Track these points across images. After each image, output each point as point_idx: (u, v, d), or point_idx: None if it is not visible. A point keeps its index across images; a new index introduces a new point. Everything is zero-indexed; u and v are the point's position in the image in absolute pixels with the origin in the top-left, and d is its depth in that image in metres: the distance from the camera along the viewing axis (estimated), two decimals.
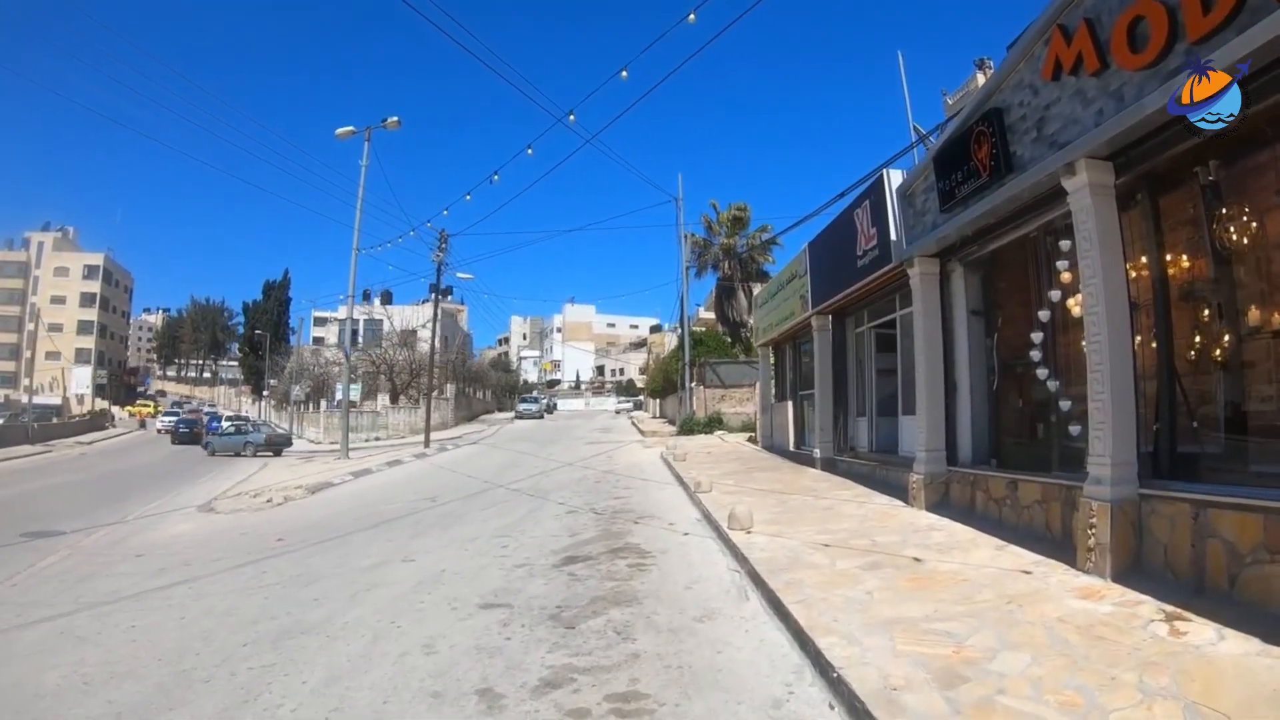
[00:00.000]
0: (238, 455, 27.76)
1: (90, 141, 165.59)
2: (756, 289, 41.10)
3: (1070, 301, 6.76)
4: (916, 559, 6.32)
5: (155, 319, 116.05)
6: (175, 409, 62.61)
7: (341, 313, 53.78)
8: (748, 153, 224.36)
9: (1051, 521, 6.63)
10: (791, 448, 16.99)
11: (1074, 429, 6.42)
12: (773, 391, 19.40)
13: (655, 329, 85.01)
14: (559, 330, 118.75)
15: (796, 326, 15.65)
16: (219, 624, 5.79)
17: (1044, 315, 7.28)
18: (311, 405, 40.60)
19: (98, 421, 50.91)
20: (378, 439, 33.68)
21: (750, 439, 22.44)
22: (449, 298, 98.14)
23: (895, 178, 10.02)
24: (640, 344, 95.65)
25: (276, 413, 51.36)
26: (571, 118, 15.79)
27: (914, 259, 9.17)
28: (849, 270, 11.50)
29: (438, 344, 50.68)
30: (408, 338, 42.46)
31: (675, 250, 32.32)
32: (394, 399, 38.25)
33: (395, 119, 21.84)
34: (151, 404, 71.98)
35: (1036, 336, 7.34)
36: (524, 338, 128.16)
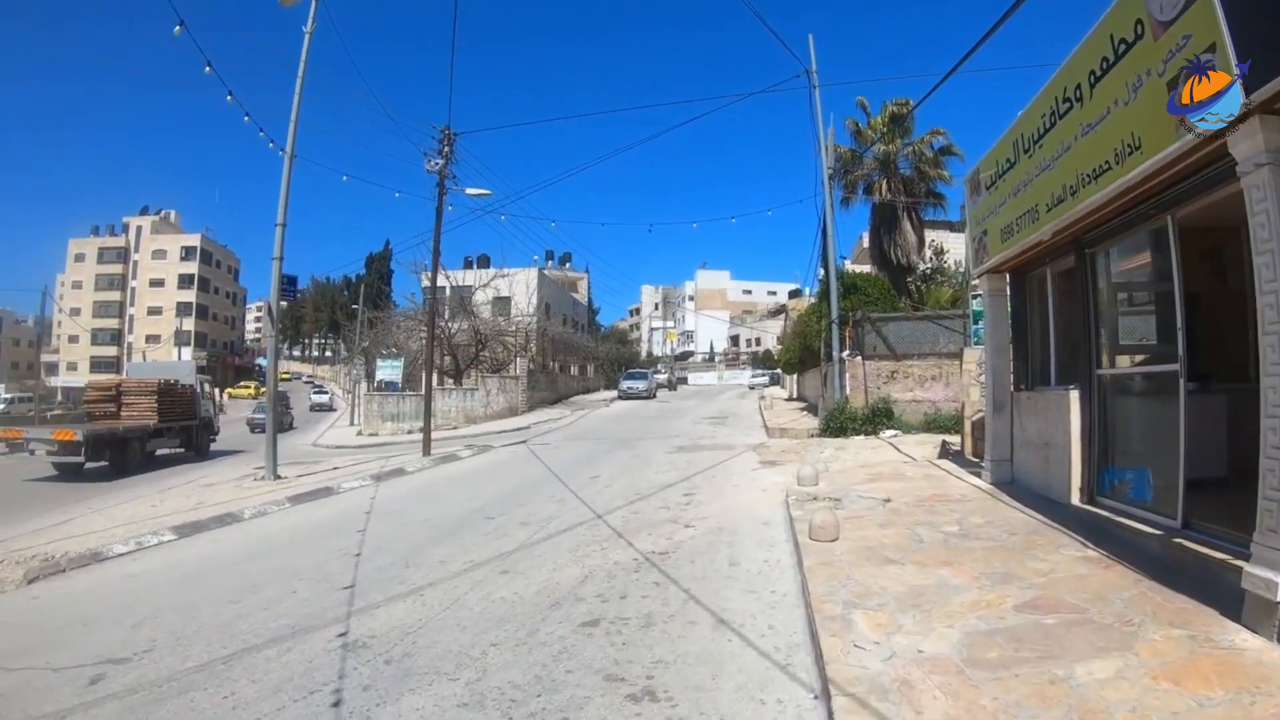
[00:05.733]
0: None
1: (198, 130, 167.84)
2: (936, 235, 29.99)
3: None
4: None
5: (285, 301, 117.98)
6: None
7: (437, 279, 46.98)
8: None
9: None
10: (1075, 499, 7.30)
11: None
12: (1010, 368, 9.54)
13: (794, 293, 74.20)
14: (691, 299, 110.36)
15: (1135, 189, 5.83)
16: None
17: None
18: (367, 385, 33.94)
19: None
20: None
21: (946, 451, 12.64)
22: (568, 265, 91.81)
23: None
24: (778, 311, 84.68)
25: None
26: None
27: None
28: None
29: (529, 309, 42.85)
30: (466, 303, 34.57)
31: (811, 156, 22.48)
32: (457, 379, 30.67)
33: None
34: (253, 385, 69.54)
35: None
36: (655, 307, 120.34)
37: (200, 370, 25.36)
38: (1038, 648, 4.15)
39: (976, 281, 10.57)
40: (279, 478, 14.49)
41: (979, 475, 9.59)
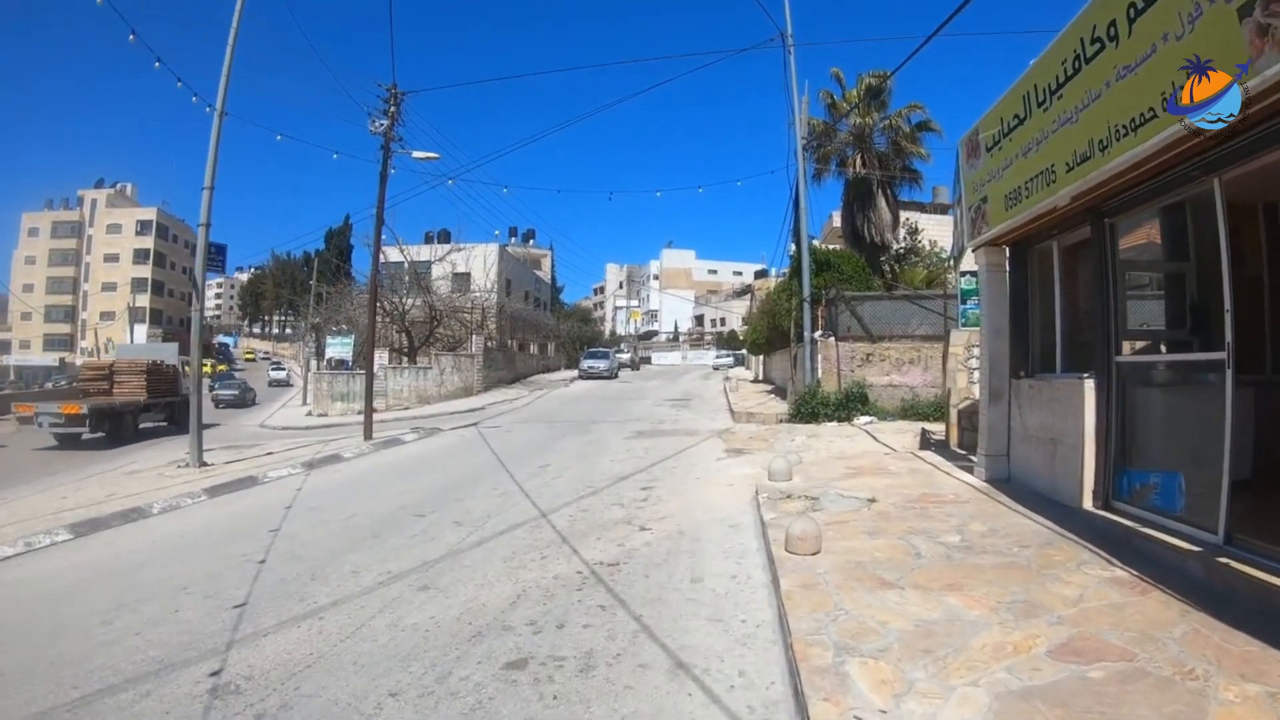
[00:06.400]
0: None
1: (154, 103, 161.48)
2: (910, 215, 29.05)
3: None
4: None
5: (246, 278, 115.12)
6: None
7: (393, 254, 45.22)
8: None
9: None
10: (1088, 503, 6.39)
11: None
12: (1006, 354, 8.59)
13: (760, 274, 73.26)
14: (655, 278, 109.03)
15: (1184, 142, 4.73)
16: None
17: None
18: (318, 363, 32.40)
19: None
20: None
21: (928, 441, 11.79)
22: (531, 242, 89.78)
23: None
24: (744, 291, 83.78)
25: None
26: None
27: None
28: None
29: (488, 285, 41.46)
30: (421, 278, 32.99)
31: (781, 131, 21.59)
32: (411, 356, 29.25)
33: None
34: (209, 363, 67.02)
35: None
36: (620, 286, 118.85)
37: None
38: (1090, 716, 3.18)
39: (970, 256, 9.60)
40: (204, 465, 13.14)
41: (970, 471, 8.69)
